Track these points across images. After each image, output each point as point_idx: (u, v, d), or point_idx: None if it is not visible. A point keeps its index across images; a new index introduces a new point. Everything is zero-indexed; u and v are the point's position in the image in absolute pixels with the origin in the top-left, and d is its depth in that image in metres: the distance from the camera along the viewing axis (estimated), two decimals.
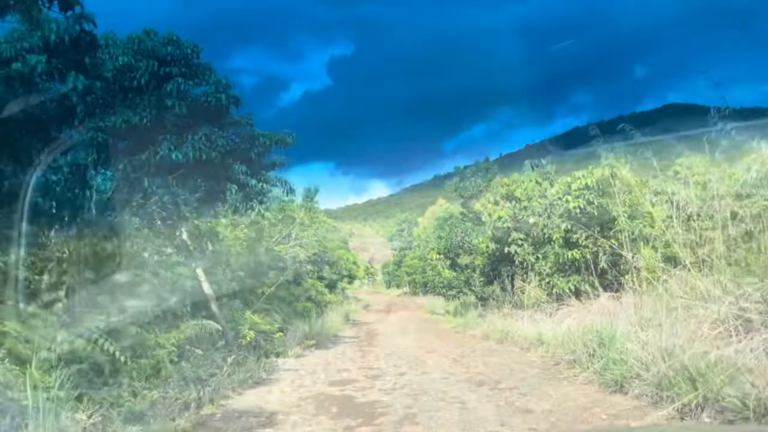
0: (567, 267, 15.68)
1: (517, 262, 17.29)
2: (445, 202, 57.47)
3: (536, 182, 16.95)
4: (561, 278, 15.64)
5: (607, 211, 14.83)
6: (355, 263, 46.92)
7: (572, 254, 15.14)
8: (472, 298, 26.99)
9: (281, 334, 17.27)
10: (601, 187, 14.98)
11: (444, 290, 27.29)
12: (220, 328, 11.98)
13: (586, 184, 14.90)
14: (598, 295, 14.49)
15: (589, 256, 15.08)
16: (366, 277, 79.99)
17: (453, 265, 27.51)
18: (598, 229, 15.35)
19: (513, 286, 20.32)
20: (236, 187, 12.24)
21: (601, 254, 15.04)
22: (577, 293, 15.17)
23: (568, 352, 10.90)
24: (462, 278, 26.01)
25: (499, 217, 16.73)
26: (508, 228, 16.82)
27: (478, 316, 21.98)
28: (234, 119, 13.38)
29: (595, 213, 14.84)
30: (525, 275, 19.70)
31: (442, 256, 28.35)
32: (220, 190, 12.62)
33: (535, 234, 16.68)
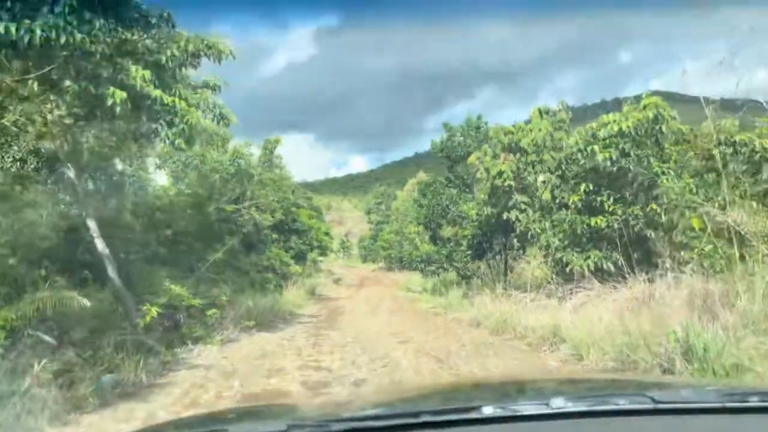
0: (585, 239, 11.75)
1: (518, 232, 13.29)
2: (426, 176, 53.64)
3: (548, 132, 12.88)
4: (576, 253, 11.70)
5: (647, 167, 10.88)
6: (327, 234, 42.78)
7: (596, 222, 11.19)
8: (454, 276, 23.16)
9: (216, 310, 13.10)
10: (639, 134, 11.00)
11: (422, 265, 23.32)
12: (87, 303, 7.72)
13: (620, 129, 10.90)
14: (625, 276, 10.65)
15: (617, 225, 11.15)
16: (341, 250, 76.01)
17: (434, 238, 23.57)
18: (631, 191, 11.42)
19: (507, 262, 16.41)
20: (125, 96, 7.91)
21: (631, 222, 11.12)
22: (598, 273, 11.26)
23: (613, 360, 6.95)
24: (443, 252, 22.05)
25: (500, 173, 12.67)
26: (510, 188, 12.79)
27: (463, 296, 18.08)
28: (143, 12, 9.10)
29: (630, 168, 10.89)
30: (523, 249, 15.77)
31: (421, 227, 24.39)
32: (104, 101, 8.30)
33: (544, 197, 12.68)
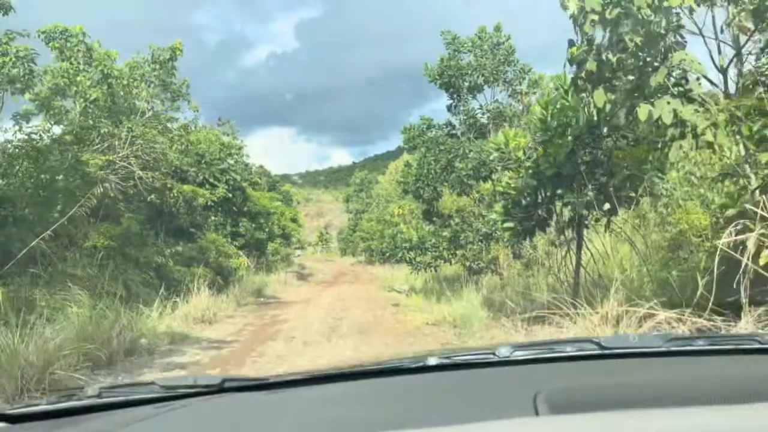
0: None
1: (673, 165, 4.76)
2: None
3: None
4: None
5: None
6: (295, 221, 34.04)
7: None
8: (458, 269, 14.89)
9: None
10: None
11: (410, 255, 14.68)
12: None
13: None
14: None
15: None
16: (320, 243, 67.23)
17: (429, 215, 15.09)
18: None
19: (581, 240, 7.86)
20: None
21: None
22: None
23: None
24: (445, 234, 13.60)
25: None
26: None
27: (483, 304, 9.68)
28: None
29: None
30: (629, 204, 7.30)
31: (410, 198, 15.89)
32: None
33: None
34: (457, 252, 13.92)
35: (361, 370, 1.39)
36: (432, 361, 1.36)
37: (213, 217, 22.15)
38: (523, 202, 7.56)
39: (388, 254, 22.53)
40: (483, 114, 13.38)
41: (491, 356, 1.36)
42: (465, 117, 13.49)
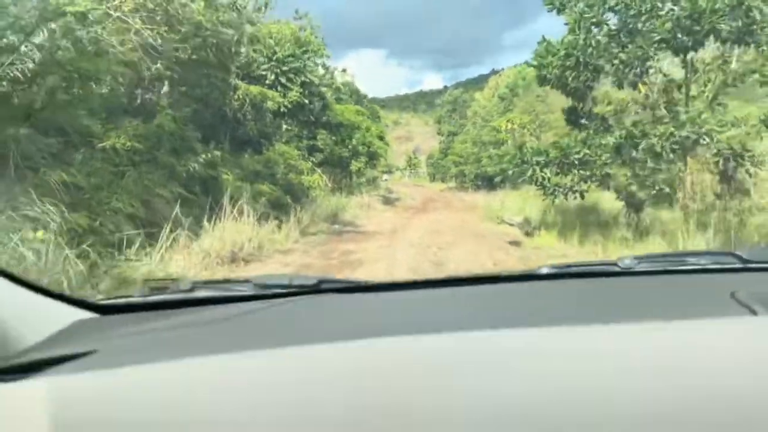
0: None
1: None
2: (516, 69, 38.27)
3: None
4: None
5: None
6: (382, 139, 29.34)
7: None
8: (592, 198, 9.96)
9: None
10: None
11: (544, 172, 9.68)
12: None
13: None
14: None
15: None
16: (408, 168, 62.71)
17: (575, 114, 9.99)
18: None
19: None
20: None
21: None
22: None
23: None
24: (606, 144, 8.55)
25: None
26: None
27: None
28: None
29: None
30: None
31: (548, 87, 10.73)
32: None
33: None
34: (617, 171, 8.93)
35: (466, 276, 1.25)
36: (545, 270, 1.22)
37: (286, 127, 18.19)
38: None
39: (485, 181, 17.63)
40: None
41: (614, 267, 1.20)
42: None
